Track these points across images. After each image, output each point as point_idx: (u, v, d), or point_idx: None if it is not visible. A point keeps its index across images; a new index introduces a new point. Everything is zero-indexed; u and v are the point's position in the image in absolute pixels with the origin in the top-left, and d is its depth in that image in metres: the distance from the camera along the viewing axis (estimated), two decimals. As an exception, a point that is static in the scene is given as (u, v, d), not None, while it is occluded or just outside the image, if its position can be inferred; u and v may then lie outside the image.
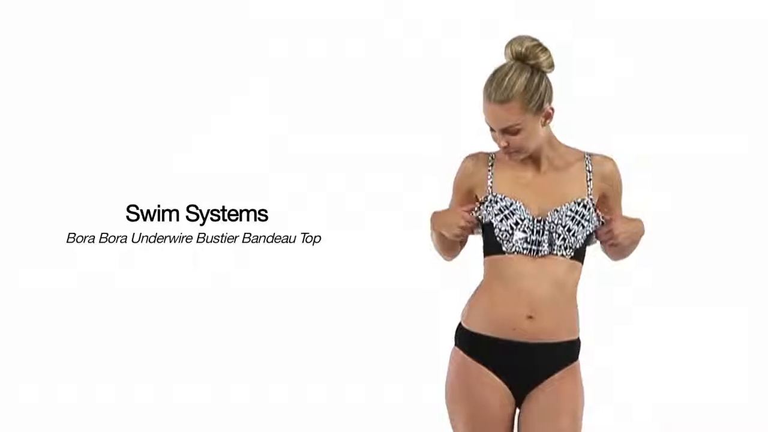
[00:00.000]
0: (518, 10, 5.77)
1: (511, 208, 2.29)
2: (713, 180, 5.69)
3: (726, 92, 5.67)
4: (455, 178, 2.49)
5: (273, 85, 6.22)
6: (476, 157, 2.44)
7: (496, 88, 2.31)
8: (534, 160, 2.36)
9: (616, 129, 5.38)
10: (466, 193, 2.40)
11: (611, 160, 2.36)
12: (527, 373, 2.33)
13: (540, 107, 2.29)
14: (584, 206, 2.27)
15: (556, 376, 2.34)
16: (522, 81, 2.28)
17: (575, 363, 2.38)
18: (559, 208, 2.26)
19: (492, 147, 2.39)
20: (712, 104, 5.76)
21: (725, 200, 5.69)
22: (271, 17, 6.20)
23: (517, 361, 2.32)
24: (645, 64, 5.58)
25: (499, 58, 5.64)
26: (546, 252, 2.26)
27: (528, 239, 2.26)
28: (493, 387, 2.33)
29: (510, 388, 2.31)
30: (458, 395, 2.32)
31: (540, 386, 2.34)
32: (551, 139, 2.35)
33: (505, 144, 2.28)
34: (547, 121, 2.30)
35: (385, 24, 5.56)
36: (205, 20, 6.16)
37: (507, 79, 2.30)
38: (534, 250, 2.26)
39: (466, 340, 2.33)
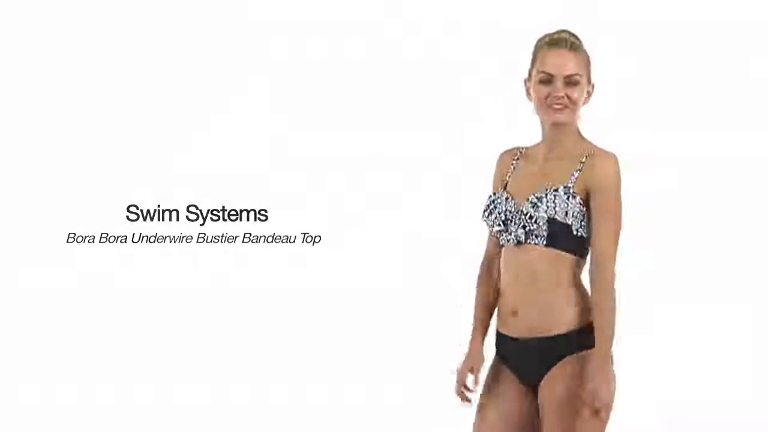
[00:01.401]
0: (518, 10, 5.77)
1: (495, 203, 2.31)
2: (716, 178, 5.69)
3: (729, 92, 5.67)
4: (493, 178, 2.46)
5: (273, 85, 6.22)
6: (506, 154, 2.44)
7: (567, 37, 2.33)
8: (548, 145, 2.35)
9: (620, 126, 5.37)
10: None
11: (610, 157, 2.29)
12: (526, 367, 2.30)
13: (590, 76, 2.34)
14: (553, 192, 2.22)
15: (554, 371, 2.26)
16: (584, 46, 2.34)
17: (577, 356, 2.26)
18: (530, 197, 2.25)
19: (523, 142, 2.36)
20: (715, 104, 5.76)
21: (728, 198, 5.69)
22: (271, 17, 6.20)
23: (516, 355, 2.30)
24: (648, 64, 5.58)
25: (499, 58, 5.63)
26: (515, 241, 2.25)
27: (508, 230, 2.27)
28: (508, 381, 2.33)
29: (522, 382, 2.30)
30: (483, 389, 2.34)
31: (542, 381, 2.28)
32: (577, 129, 2.36)
33: (563, 94, 2.27)
34: (589, 97, 2.33)
35: (385, 24, 5.56)
36: (205, 20, 6.16)
37: (573, 36, 2.35)
38: (512, 240, 2.25)
39: (496, 336, 2.34)
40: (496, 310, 2.34)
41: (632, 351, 4.54)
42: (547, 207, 2.20)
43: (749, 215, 5.38)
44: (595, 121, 5.10)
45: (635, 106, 5.53)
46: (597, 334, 2.22)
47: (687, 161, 5.51)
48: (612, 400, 2.20)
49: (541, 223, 2.20)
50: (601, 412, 2.18)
